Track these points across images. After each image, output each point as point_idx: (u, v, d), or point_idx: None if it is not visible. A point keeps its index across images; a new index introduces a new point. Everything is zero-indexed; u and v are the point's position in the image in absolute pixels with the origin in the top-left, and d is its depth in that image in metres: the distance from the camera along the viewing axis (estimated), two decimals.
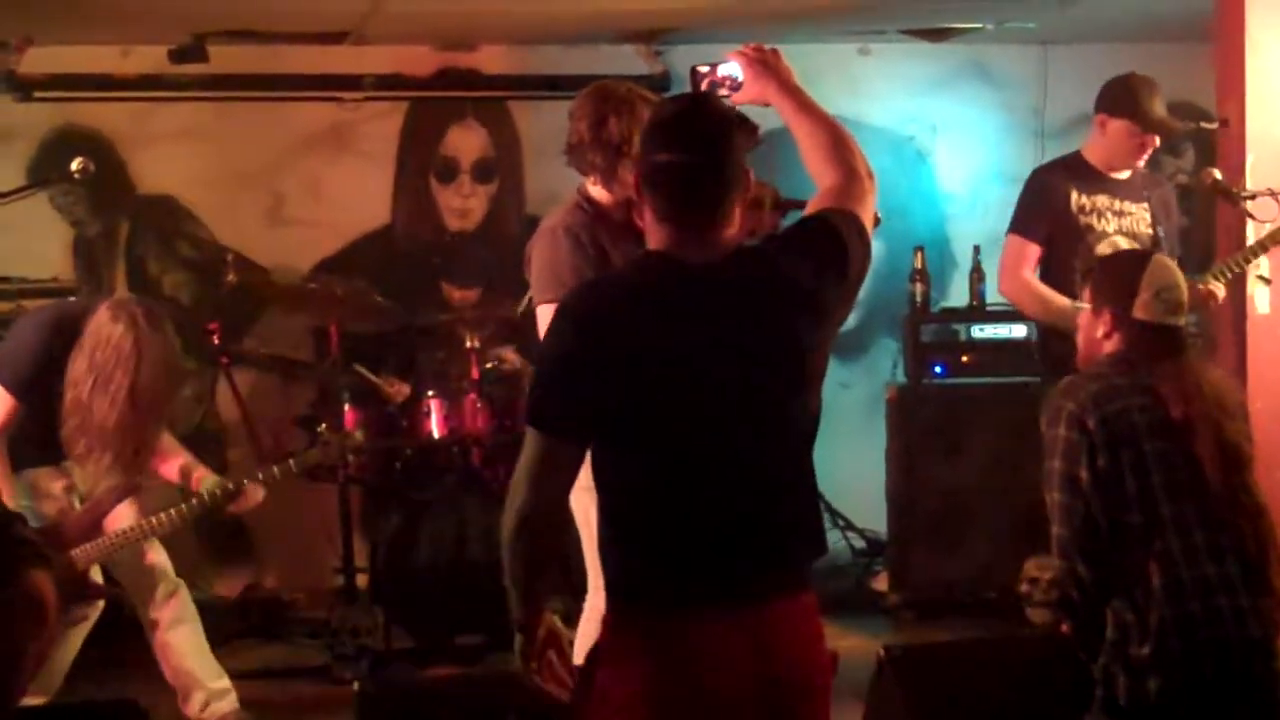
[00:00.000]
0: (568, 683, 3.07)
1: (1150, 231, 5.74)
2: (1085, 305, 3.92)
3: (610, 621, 3.06)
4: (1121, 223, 5.72)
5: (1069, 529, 3.64)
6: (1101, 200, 5.73)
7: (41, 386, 4.93)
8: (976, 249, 7.28)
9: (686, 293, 2.96)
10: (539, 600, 3.10)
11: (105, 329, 4.87)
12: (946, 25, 7.51)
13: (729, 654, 2.93)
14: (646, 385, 2.92)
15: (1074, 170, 5.80)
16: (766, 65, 3.32)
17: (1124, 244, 5.60)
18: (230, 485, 5.13)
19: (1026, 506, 6.61)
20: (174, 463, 5.22)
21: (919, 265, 7.11)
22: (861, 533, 7.38)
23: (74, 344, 4.90)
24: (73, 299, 5.35)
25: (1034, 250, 5.74)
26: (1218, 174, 5.53)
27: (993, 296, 7.20)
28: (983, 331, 7.05)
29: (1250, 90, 6.03)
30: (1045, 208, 5.77)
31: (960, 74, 8.10)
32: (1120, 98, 5.68)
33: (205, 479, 5.17)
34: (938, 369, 6.99)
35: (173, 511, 5.09)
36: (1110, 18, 7.34)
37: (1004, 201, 7.95)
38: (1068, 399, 3.70)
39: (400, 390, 6.50)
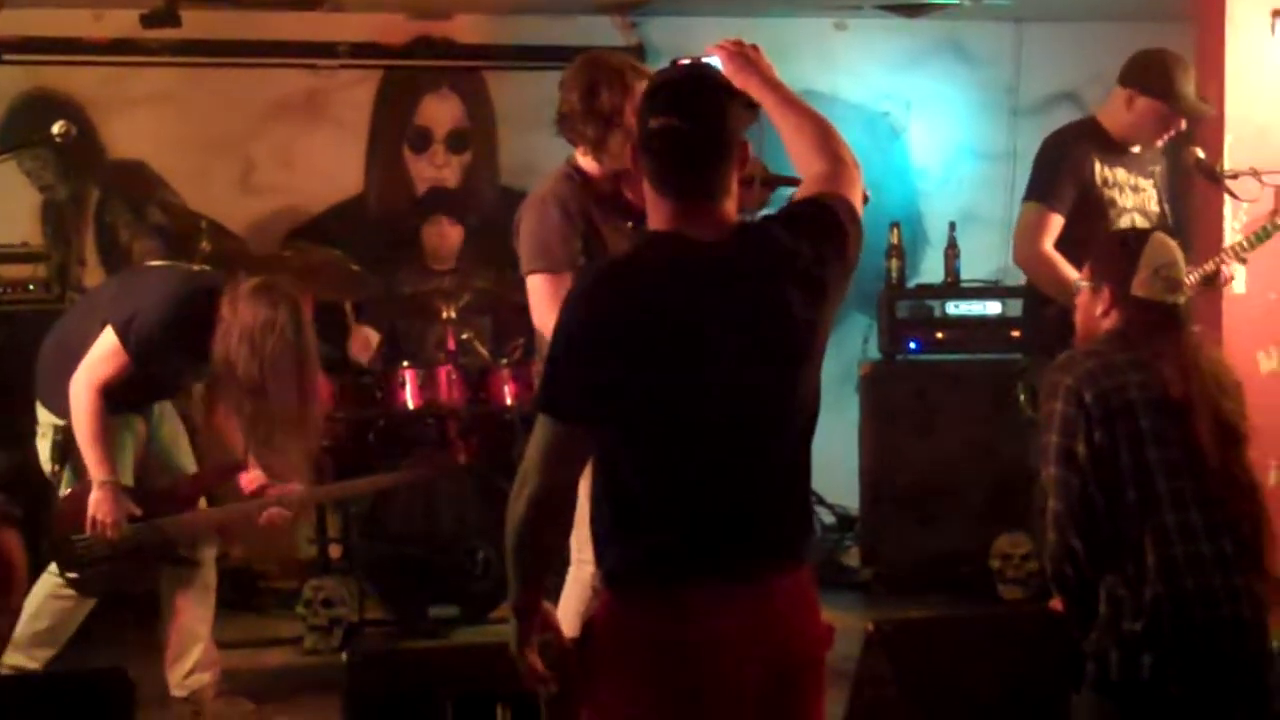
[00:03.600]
0: (557, 672, 3.05)
1: (1158, 209, 5.51)
2: (1085, 283, 3.92)
3: (608, 597, 3.04)
4: (1137, 199, 5.46)
5: (1065, 503, 3.64)
6: (1121, 174, 5.45)
7: (158, 353, 4.90)
8: (952, 225, 7.31)
9: (695, 273, 2.93)
10: (540, 586, 3.07)
11: (266, 314, 4.83)
12: (923, 1, 7.51)
13: (730, 627, 2.91)
14: (658, 368, 2.90)
15: (1096, 138, 5.47)
16: (747, 60, 3.27)
17: (1140, 221, 5.39)
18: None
19: (999, 483, 6.75)
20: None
21: (895, 241, 7.13)
22: (831, 508, 7.39)
23: (204, 318, 4.85)
24: (198, 269, 5.29)
25: (1057, 220, 5.36)
26: (1200, 153, 5.51)
27: (968, 273, 7.26)
28: (958, 308, 7.07)
29: (1229, 71, 6.08)
30: (1071, 175, 5.39)
31: (935, 50, 8.11)
32: (1154, 77, 5.37)
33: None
34: (912, 345, 7.01)
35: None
36: None
37: (977, 178, 8.08)
38: (1065, 374, 3.70)
39: (369, 337, 6.48)
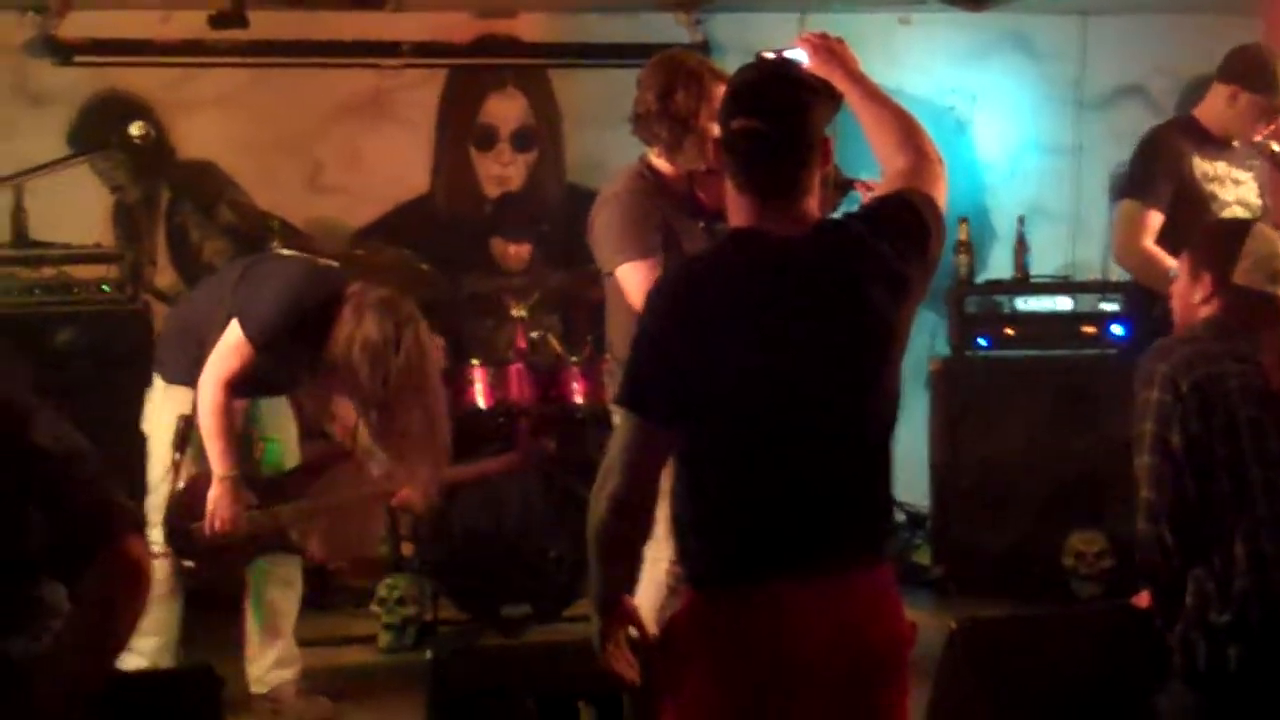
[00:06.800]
0: (641, 669, 3.06)
1: (1259, 201, 5.53)
2: (1182, 270, 3.90)
3: (690, 594, 3.06)
4: (1238, 191, 5.48)
5: (1157, 492, 3.61)
6: (1221, 167, 5.48)
7: (280, 343, 4.92)
8: (1021, 220, 7.28)
9: (776, 270, 2.94)
10: (622, 583, 3.09)
11: (390, 331, 4.86)
12: None
13: (812, 625, 2.92)
14: (739, 365, 2.91)
15: (1193, 134, 5.53)
16: (832, 53, 3.28)
17: (1241, 214, 5.38)
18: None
19: (1071, 479, 6.72)
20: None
21: (963, 237, 7.08)
22: (902, 505, 7.36)
23: (324, 315, 4.88)
24: (324, 262, 5.28)
25: (1156, 217, 5.41)
26: (1276, 146, 5.49)
27: (1035, 268, 7.22)
28: (1027, 304, 7.02)
29: None
30: (1169, 172, 5.45)
31: (1000, 44, 8.06)
32: (1257, 73, 5.38)
33: None
34: (982, 341, 6.96)
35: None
36: None
37: (1043, 172, 8.03)
38: (1161, 361, 3.67)
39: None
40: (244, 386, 5.03)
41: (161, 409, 5.12)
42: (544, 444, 6.09)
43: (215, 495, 4.95)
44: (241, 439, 5.19)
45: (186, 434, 5.00)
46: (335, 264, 5.29)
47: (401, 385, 4.83)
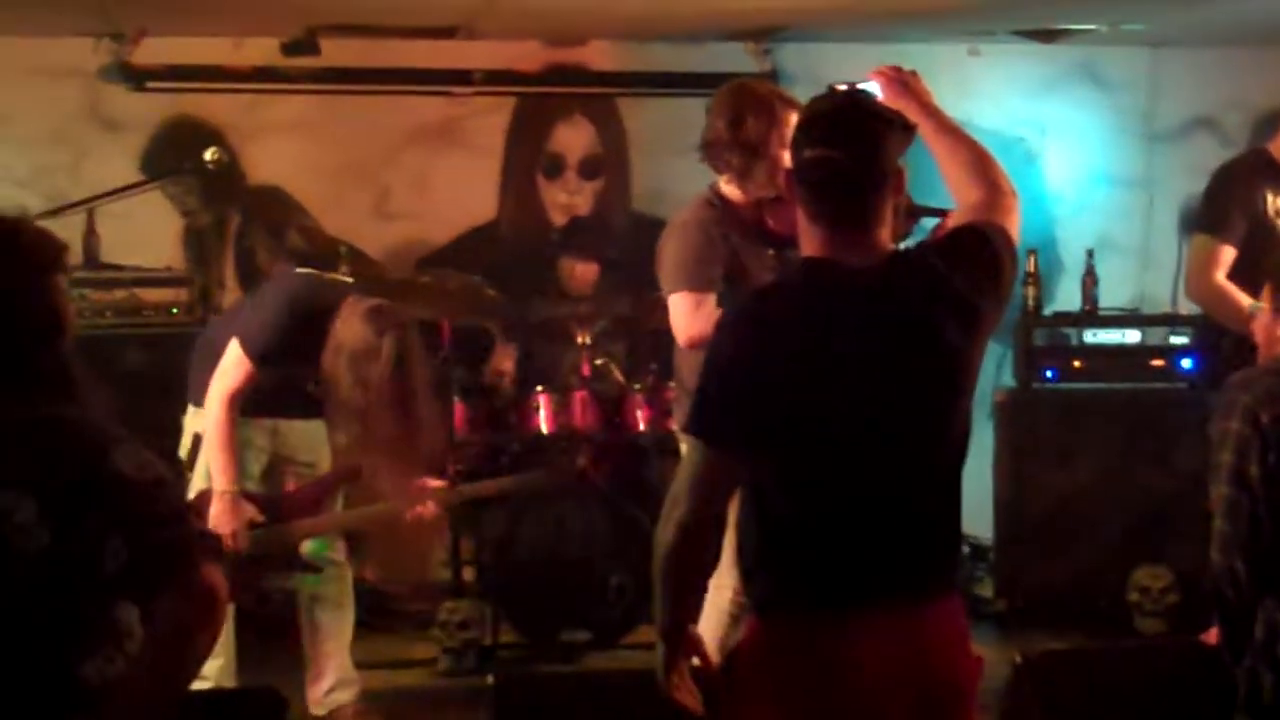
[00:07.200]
0: (704, 697, 3.06)
1: None
2: (1264, 305, 3.88)
3: (755, 624, 3.05)
4: None
5: (1232, 524, 3.57)
6: None
7: (277, 357, 4.93)
8: (1090, 253, 7.23)
9: (847, 299, 2.94)
10: (687, 611, 3.09)
11: (370, 339, 4.81)
12: (1061, 27, 7.44)
13: (879, 656, 2.91)
14: (809, 395, 2.90)
15: (1267, 169, 5.52)
16: (905, 85, 3.29)
17: None
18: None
19: (1137, 513, 6.67)
20: None
21: (1031, 268, 7.04)
22: (965, 538, 7.31)
23: (318, 327, 4.86)
24: (322, 275, 5.32)
25: (1229, 252, 5.41)
26: None
27: (1103, 300, 7.17)
28: (1095, 336, 6.98)
29: None
30: (1243, 207, 5.44)
31: (1069, 76, 8.02)
32: None
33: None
34: (1049, 373, 6.92)
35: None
36: (1227, 20, 7.25)
37: (1112, 204, 7.99)
38: (1243, 392, 3.64)
39: (505, 358, 6.50)
40: (256, 405, 5.05)
41: (188, 433, 5.18)
42: (575, 461, 6.07)
43: (216, 511, 4.93)
44: (271, 464, 5.26)
45: (194, 451, 5.04)
46: (348, 279, 5.31)
47: (382, 391, 4.78)
